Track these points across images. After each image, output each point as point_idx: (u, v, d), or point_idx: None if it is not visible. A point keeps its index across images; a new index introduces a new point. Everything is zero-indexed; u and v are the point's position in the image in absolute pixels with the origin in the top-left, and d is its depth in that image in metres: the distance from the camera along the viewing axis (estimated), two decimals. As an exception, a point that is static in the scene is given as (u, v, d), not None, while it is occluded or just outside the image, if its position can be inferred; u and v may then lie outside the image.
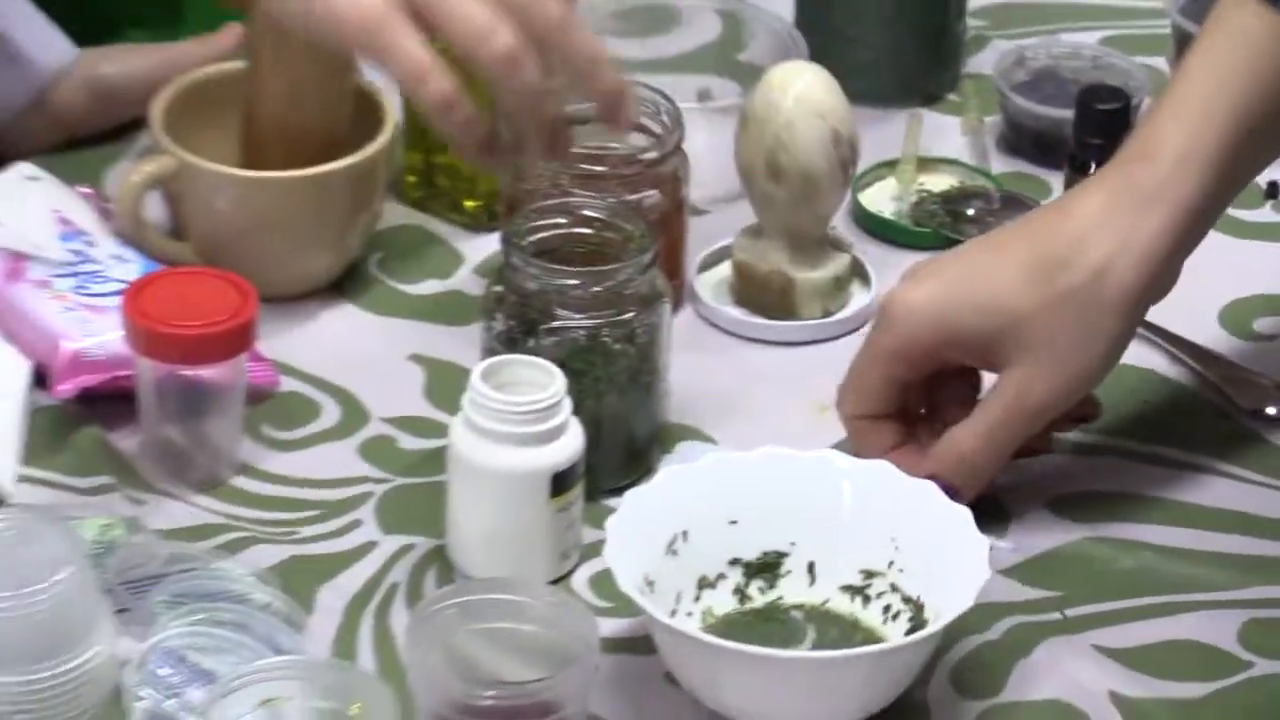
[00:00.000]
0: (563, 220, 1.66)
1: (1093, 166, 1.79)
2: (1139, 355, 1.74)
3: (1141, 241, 1.57)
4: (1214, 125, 1.58)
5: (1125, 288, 1.56)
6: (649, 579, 1.51)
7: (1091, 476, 1.68)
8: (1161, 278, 1.58)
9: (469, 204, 1.86)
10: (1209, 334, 1.79)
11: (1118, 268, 1.56)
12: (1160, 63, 2.00)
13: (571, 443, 1.56)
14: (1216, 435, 1.72)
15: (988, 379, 1.62)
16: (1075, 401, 1.61)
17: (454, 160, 1.85)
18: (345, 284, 1.81)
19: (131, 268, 1.73)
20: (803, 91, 1.74)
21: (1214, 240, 1.78)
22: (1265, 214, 1.90)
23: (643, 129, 1.75)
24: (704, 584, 1.55)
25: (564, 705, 1.41)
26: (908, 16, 2.00)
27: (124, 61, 1.90)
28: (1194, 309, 1.79)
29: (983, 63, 2.04)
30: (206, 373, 1.63)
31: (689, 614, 1.54)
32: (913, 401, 1.63)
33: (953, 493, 1.55)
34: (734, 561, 1.56)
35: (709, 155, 1.80)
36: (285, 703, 1.41)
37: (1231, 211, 1.84)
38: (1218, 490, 1.67)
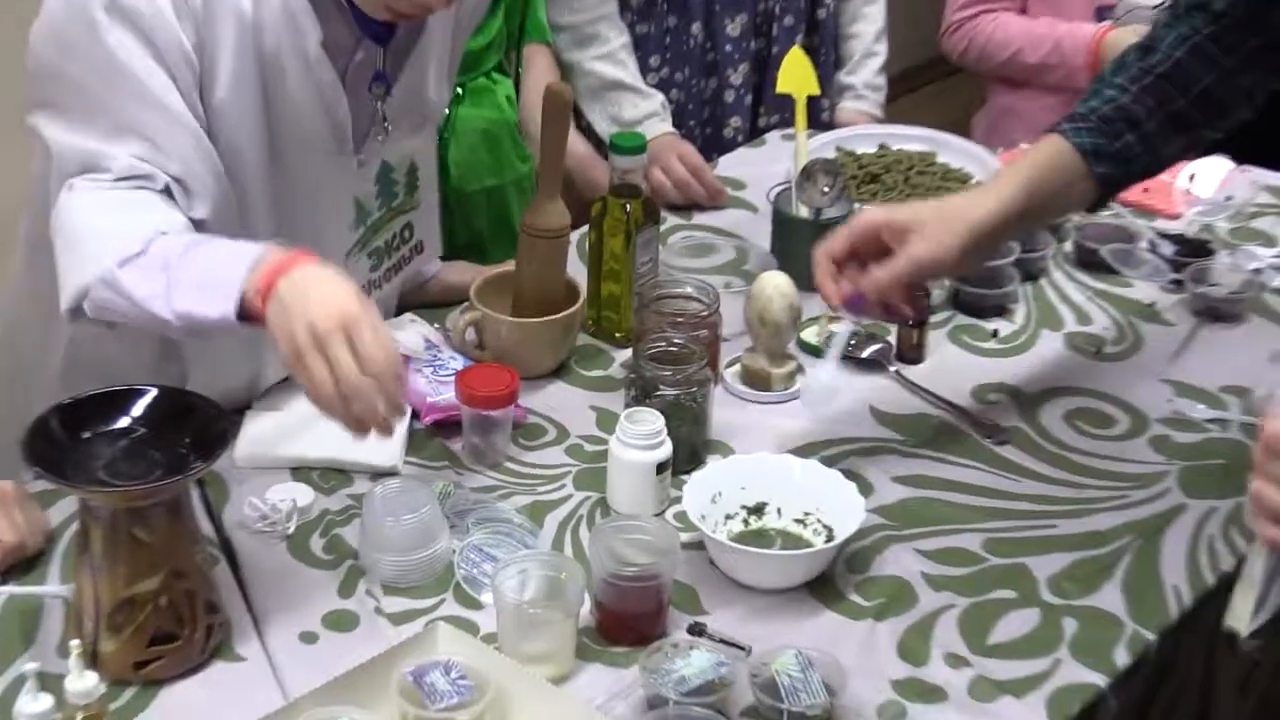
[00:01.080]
0: (663, 343, 1.63)
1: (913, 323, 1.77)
2: (935, 412, 1.71)
3: (978, 204, 1.51)
4: (1020, 175, 1.52)
5: (968, 217, 1.49)
6: (702, 514, 1.49)
7: (913, 468, 1.64)
8: (983, 229, 1.50)
9: (617, 334, 1.81)
10: (967, 401, 1.74)
11: (965, 210, 1.50)
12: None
13: (666, 449, 1.54)
14: (969, 448, 1.67)
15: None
16: (932, 273, 1.53)
17: (608, 316, 1.82)
18: (560, 371, 1.77)
19: (458, 363, 1.70)
20: (777, 284, 1.71)
21: (966, 358, 1.79)
22: (992, 345, 1.84)
23: (700, 301, 1.71)
24: (729, 517, 1.53)
25: (662, 576, 1.39)
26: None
27: (460, 273, 1.86)
28: (959, 389, 1.74)
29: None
30: (494, 413, 1.60)
31: (722, 532, 1.50)
32: (849, 263, 1.52)
33: (861, 300, 1.50)
34: (743, 506, 1.54)
35: (732, 315, 1.76)
36: (532, 572, 1.40)
37: (972, 342, 1.83)
38: (971, 474, 1.63)
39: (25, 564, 1.46)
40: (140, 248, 1.38)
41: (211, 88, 1.45)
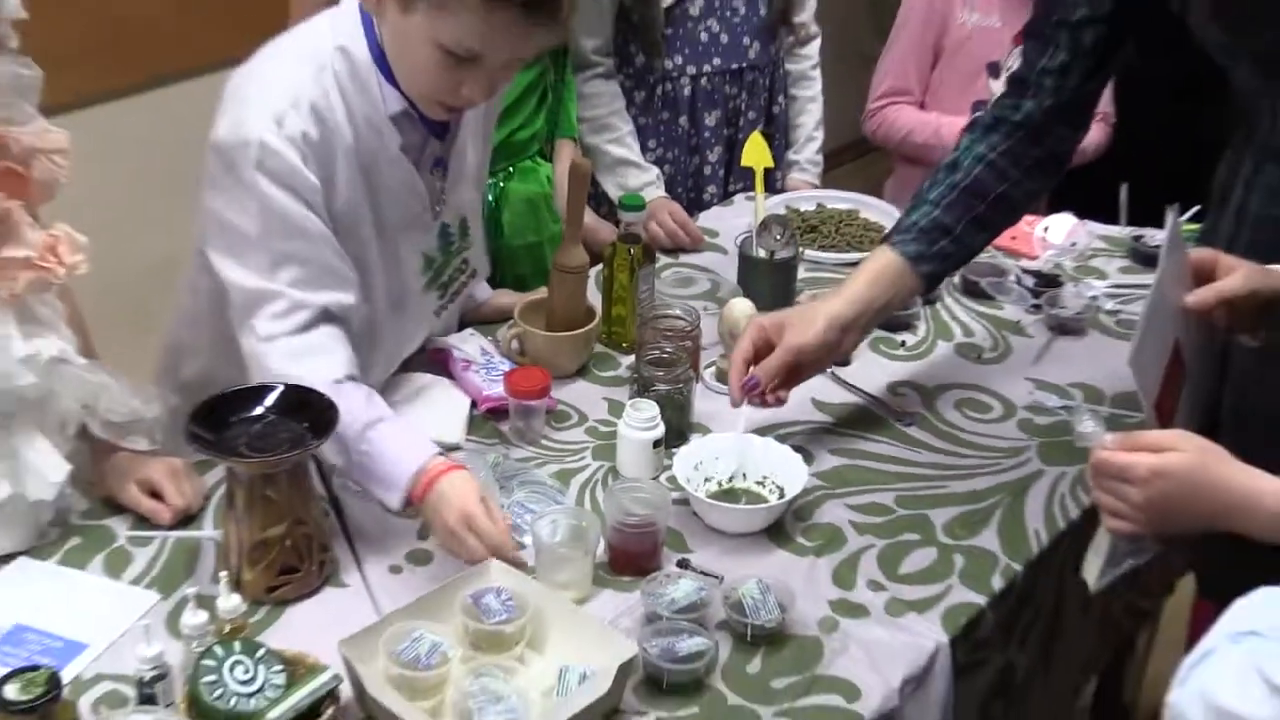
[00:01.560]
0: (657, 351, 1.62)
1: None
2: (860, 402, 1.69)
3: (831, 302, 1.49)
4: (861, 278, 1.51)
5: (823, 311, 1.47)
6: (687, 478, 1.47)
7: (844, 443, 1.62)
8: (835, 318, 1.48)
9: (624, 345, 1.79)
10: (883, 393, 1.71)
11: (822, 306, 1.49)
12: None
13: (660, 430, 1.52)
14: (885, 428, 1.65)
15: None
16: (802, 354, 1.47)
17: (616, 331, 1.79)
18: (581, 372, 1.75)
19: (506, 366, 1.68)
20: (742, 308, 1.70)
21: (883, 361, 1.76)
22: (901, 351, 1.81)
23: (685, 320, 1.69)
24: (707, 480, 1.51)
25: (657, 524, 1.38)
26: (772, 287, 1.88)
27: (507, 298, 1.83)
28: (878, 384, 1.72)
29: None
30: (532, 402, 1.59)
31: (702, 491, 1.48)
32: (752, 360, 1.49)
33: (757, 383, 1.46)
34: (718, 472, 1.52)
35: (709, 330, 1.74)
36: (560, 521, 1.38)
37: (887, 350, 1.80)
38: (886, 447, 1.61)
39: (187, 516, 1.45)
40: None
41: (333, 200, 1.45)
